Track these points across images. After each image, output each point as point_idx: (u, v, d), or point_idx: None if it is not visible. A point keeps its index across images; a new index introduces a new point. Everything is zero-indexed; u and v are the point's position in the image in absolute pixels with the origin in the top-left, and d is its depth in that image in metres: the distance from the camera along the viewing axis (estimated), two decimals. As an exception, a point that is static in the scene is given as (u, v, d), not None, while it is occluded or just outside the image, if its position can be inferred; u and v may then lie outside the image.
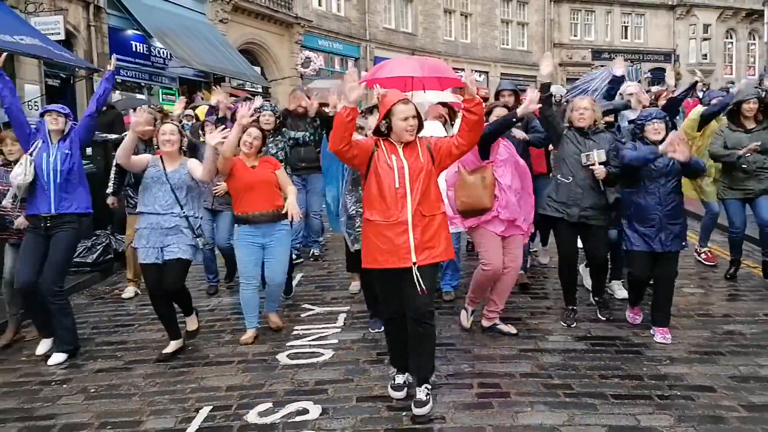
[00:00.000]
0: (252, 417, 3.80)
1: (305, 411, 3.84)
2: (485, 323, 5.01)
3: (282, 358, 4.71)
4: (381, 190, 3.66)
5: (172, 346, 4.84)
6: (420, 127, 3.74)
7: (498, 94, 6.23)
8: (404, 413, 3.71)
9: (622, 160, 4.68)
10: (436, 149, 3.77)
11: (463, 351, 4.68)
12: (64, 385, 4.39)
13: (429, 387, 3.76)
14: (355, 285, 6.16)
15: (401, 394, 3.89)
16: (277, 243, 5.03)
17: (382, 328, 4.49)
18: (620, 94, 6.44)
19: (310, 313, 5.72)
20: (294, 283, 6.46)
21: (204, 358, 4.78)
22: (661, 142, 4.54)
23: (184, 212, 4.73)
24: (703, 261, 6.97)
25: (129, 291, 6.55)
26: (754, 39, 37.02)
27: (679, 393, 3.86)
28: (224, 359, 4.73)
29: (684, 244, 4.79)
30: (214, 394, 4.13)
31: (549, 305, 5.66)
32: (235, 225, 5.12)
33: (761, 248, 6.30)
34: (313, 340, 5.03)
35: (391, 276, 3.69)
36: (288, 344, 4.97)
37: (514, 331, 4.95)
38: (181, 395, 4.14)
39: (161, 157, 4.83)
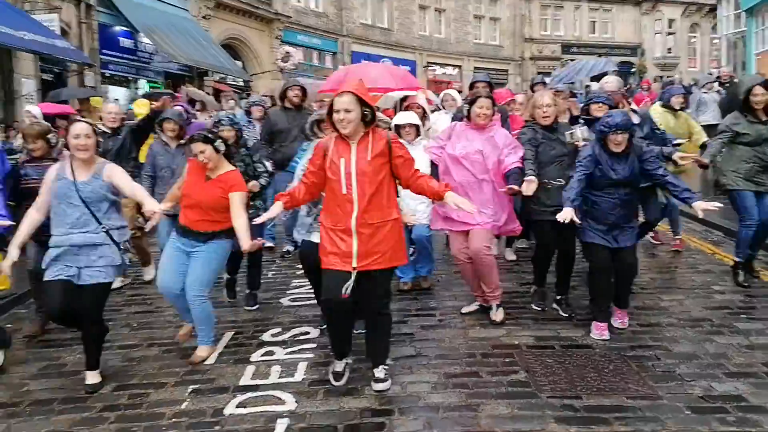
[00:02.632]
0: (266, 337, 4.85)
1: (307, 332, 4.90)
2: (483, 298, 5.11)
3: (285, 301, 5.72)
4: (332, 193, 3.68)
5: (92, 376, 4.13)
6: (369, 119, 3.62)
7: (472, 86, 6.24)
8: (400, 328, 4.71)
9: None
10: (396, 157, 3.68)
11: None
12: (110, 322, 5.39)
13: (386, 367, 3.93)
14: None
15: (341, 383, 3.93)
16: (200, 255, 4.36)
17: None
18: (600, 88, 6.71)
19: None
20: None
21: (215, 300, 5.73)
22: (621, 154, 4.49)
23: (103, 227, 4.04)
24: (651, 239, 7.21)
25: (149, 273, 6.54)
26: (717, 33, 38.53)
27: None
28: (238, 303, 5.73)
29: (635, 240, 4.81)
30: (233, 324, 5.15)
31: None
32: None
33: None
34: (310, 288, 6.00)
35: (337, 272, 3.67)
36: (288, 291, 5.98)
37: (501, 317, 4.97)
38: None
39: (71, 162, 4.08)
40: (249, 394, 3.92)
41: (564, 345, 4.51)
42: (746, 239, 5.75)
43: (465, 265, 4.98)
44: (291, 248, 7.22)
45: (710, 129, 11.43)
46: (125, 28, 18.17)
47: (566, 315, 5.05)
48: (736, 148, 5.69)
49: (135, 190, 4.18)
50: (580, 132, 4.89)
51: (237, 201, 4.32)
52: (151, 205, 4.06)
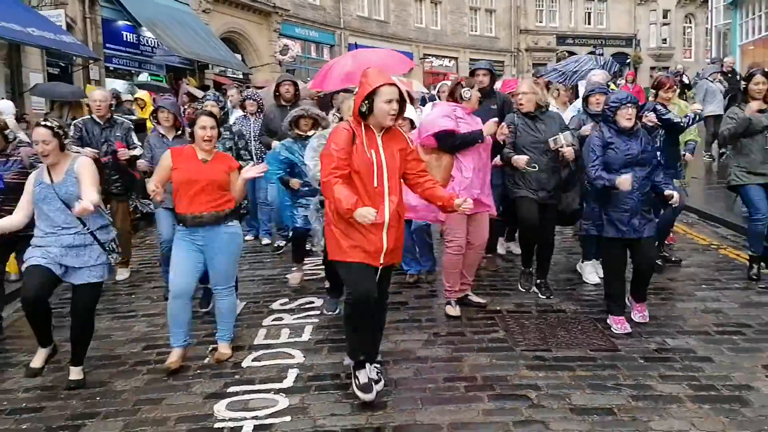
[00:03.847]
0: (275, 306, 5.42)
1: (312, 302, 5.47)
2: (458, 295, 5.11)
3: (290, 277, 6.28)
4: (359, 185, 3.49)
5: (41, 355, 4.18)
6: (402, 112, 3.59)
7: (473, 73, 6.02)
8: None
9: (594, 184, 4.59)
10: (409, 153, 3.65)
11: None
12: (131, 296, 5.96)
13: (378, 366, 3.84)
14: (296, 277, 5.98)
15: (371, 397, 3.59)
16: (219, 250, 4.30)
17: (337, 309, 4.93)
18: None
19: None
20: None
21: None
22: (630, 129, 4.53)
23: (87, 228, 4.01)
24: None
25: (123, 273, 6.46)
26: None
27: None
28: (246, 279, 6.29)
29: (655, 228, 4.82)
30: (245, 296, 5.69)
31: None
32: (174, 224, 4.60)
33: None
34: (315, 265, 6.55)
35: (365, 267, 3.55)
36: (293, 268, 6.54)
37: (484, 301, 5.16)
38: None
39: (47, 167, 4.04)
40: (263, 351, 4.49)
41: (540, 310, 5.09)
42: (756, 234, 5.63)
43: (460, 256, 4.93)
44: (282, 243, 7.31)
45: (716, 119, 11.63)
46: (128, 23, 18.62)
47: (545, 297, 5.29)
48: (738, 141, 5.63)
49: (87, 188, 3.94)
50: (563, 137, 4.94)
51: (236, 177, 4.37)
52: (85, 201, 3.82)
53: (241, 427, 3.49)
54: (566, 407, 3.53)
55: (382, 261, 3.53)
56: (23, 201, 4.10)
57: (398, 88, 3.50)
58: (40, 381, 4.15)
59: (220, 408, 3.70)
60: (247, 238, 7.39)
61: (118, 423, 3.61)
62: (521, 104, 5.13)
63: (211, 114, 4.44)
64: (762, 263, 5.75)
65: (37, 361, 4.16)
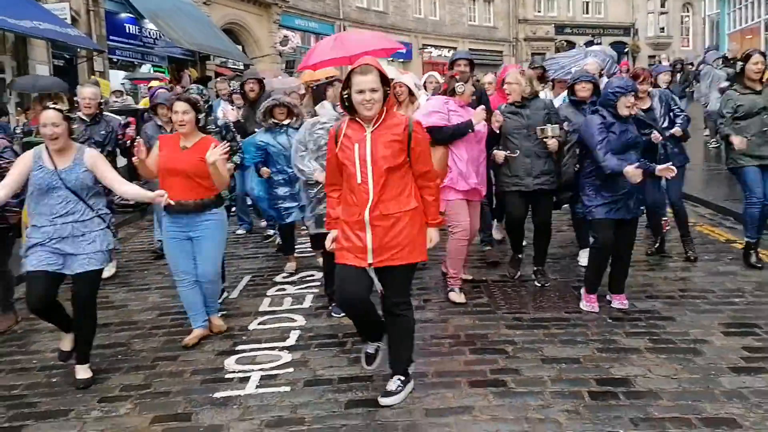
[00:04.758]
0: (278, 279, 5.86)
1: (312, 275, 5.91)
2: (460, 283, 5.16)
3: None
4: (347, 182, 3.39)
5: (67, 339, 4.15)
6: (392, 99, 3.44)
7: (453, 64, 6.13)
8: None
9: (602, 167, 4.56)
10: (414, 147, 3.36)
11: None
12: (145, 271, 6.39)
13: (402, 378, 3.54)
14: (291, 266, 6.11)
15: (371, 368, 3.67)
16: (204, 236, 4.38)
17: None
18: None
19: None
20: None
21: (232, 254, 6.73)
22: (627, 118, 4.61)
23: (95, 211, 3.97)
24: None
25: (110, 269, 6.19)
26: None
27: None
28: (250, 256, 6.71)
29: (642, 208, 4.96)
30: (249, 270, 6.14)
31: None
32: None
33: None
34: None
35: (351, 269, 3.39)
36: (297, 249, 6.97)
37: (463, 300, 5.02)
38: (226, 270, 6.09)
39: (47, 150, 3.91)
40: (267, 317, 4.93)
41: (523, 280, 5.51)
42: (752, 219, 5.59)
43: (465, 241, 5.04)
44: (271, 232, 7.30)
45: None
46: (130, 15, 18.98)
47: (540, 285, 5.27)
48: (736, 123, 5.59)
49: (114, 182, 4.03)
50: (551, 130, 5.00)
51: (222, 163, 4.31)
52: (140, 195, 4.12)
53: (249, 377, 3.92)
54: (538, 358, 3.97)
55: (371, 261, 3.34)
56: (9, 179, 3.90)
57: (375, 76, 3.23)
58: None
59: (230, 362, 4.14)
60: (238, 232, 7.59)
61: (139, 376, 4.05)
62: (508, 94, 5.30)
63: (186, 99, 4.37)
64: (754, 251, 5.66)
65: (65, 344, 4.16)
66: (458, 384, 3.68)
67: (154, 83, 9.22)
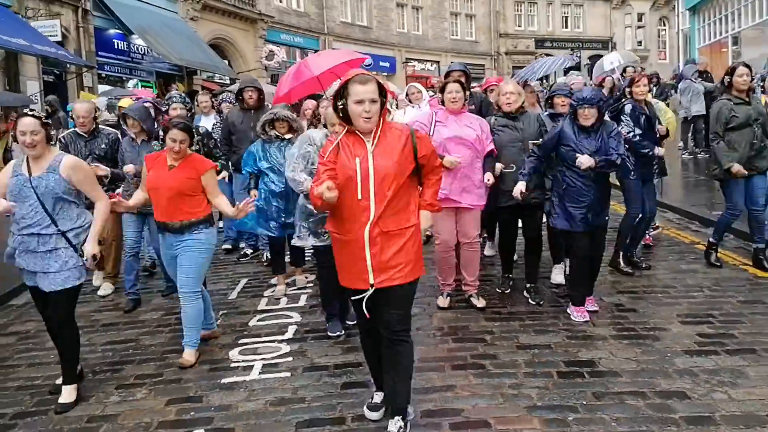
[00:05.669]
0: (274, 281, 6.21)
1: (306, 277, 6.29)
2: (450, 288, 5.30)
3: (286, 258, 7.06)
4: (343, 198, 3.07)
5: (68, 392, 3.92)
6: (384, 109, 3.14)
7: (448, 75, 5.97)
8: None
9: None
10: (421, 156, 3.19)
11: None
12: (147, 274, 6.75)
13: (402, 419, 3.26)
14: (280, 289, 5.92)
15: (376, 415, 3.49)
16: (184, 251, 4.35)
17: (342, 331, 4.72)
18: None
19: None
20: None
21: (228, 259, 7.11)
22: (591, 127, 4.70)
23: (59, 229, 3.80)
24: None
25: (105, 288, 6.27)
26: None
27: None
28: (247, 262, 7.09)
29: (606, 218, 4.98)
30: (246, 274, 6.53)
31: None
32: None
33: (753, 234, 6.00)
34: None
35: (356, 293, 3.22)
36: (286, 252, 7.32)
37: (482, 304, 5.14)
38: (223, 273, 6.51)
39: (27, 157, 3.86)
40: (266, 314, 5.33)
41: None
42: (725, 225, 6.03)
43: (449, 253, 5.14)
44: (249, 251, 7.29)
45: (698, 119, 12.19)
46: (119, 31, 19.37)
47: (534, 303, 5.21)
48: (727, 135, 5.71)
49: (89, 193, 3.94)
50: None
51: (210, 180, 4.38)
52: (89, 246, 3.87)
53: (253, 365, 4.32)
54: (514, 345, 4.42)
55: (372, 282, 3.12)
56: None
57: (374, 86, 3.05)
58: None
59: (234, 354, 4.54)
60: (224, 247, 7.44)
61: (150, 366, 4.43)
62: (508, 103, 5.17)
63: (185, 128, 4.35)
64: (715, 251, 6.07)
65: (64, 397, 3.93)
66: (442, 368, 4.11)
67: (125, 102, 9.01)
